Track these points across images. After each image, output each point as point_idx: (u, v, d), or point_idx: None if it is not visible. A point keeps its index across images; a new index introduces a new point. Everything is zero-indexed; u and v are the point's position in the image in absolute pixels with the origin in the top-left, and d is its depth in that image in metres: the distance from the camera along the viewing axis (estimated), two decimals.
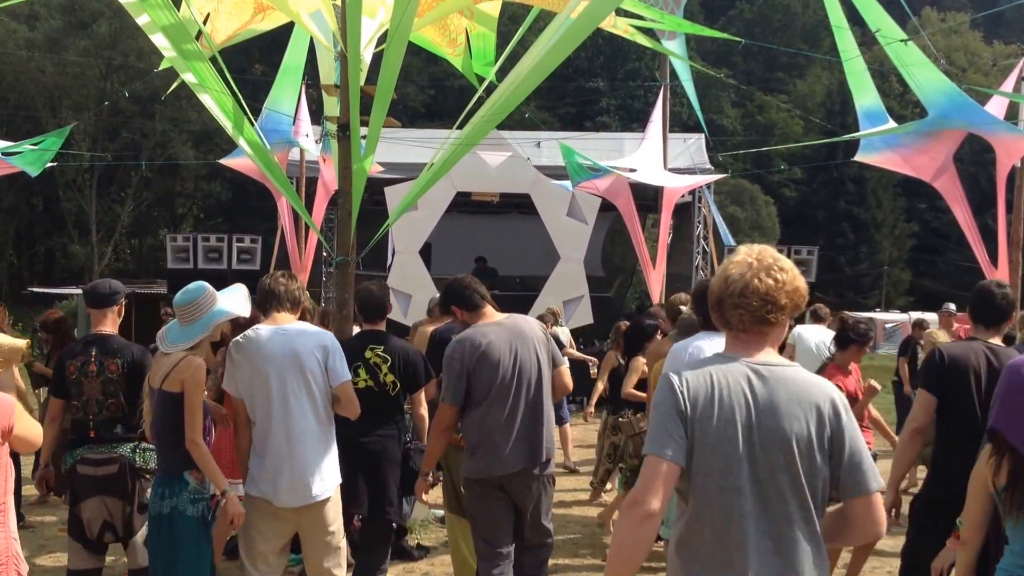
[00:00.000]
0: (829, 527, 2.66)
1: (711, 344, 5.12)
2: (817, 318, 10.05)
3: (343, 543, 4.86)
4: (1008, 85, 10.80)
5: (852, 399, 6.47)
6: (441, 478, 6.15)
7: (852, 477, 2.58)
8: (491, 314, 5.17)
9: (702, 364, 2.69)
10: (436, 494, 8.94)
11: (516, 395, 4.95)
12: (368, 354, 5.45)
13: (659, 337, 7.10)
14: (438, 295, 9.59)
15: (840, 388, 6.28)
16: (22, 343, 3.60)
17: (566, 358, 5.79)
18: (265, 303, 4.79)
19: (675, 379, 2.64)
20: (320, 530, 4.72)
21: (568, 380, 5.31)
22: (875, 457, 6.57)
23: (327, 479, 4.70)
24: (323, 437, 4.72)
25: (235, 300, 4.75)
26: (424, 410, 5.81)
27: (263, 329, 4.70)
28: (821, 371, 6.70)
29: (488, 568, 5.05)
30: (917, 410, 4.61)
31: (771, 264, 2.67)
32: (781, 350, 2.85)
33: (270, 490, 4.57)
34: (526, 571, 5.12)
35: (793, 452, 2.55)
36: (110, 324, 5.25)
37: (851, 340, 6.53)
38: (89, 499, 5.02)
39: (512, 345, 4.98)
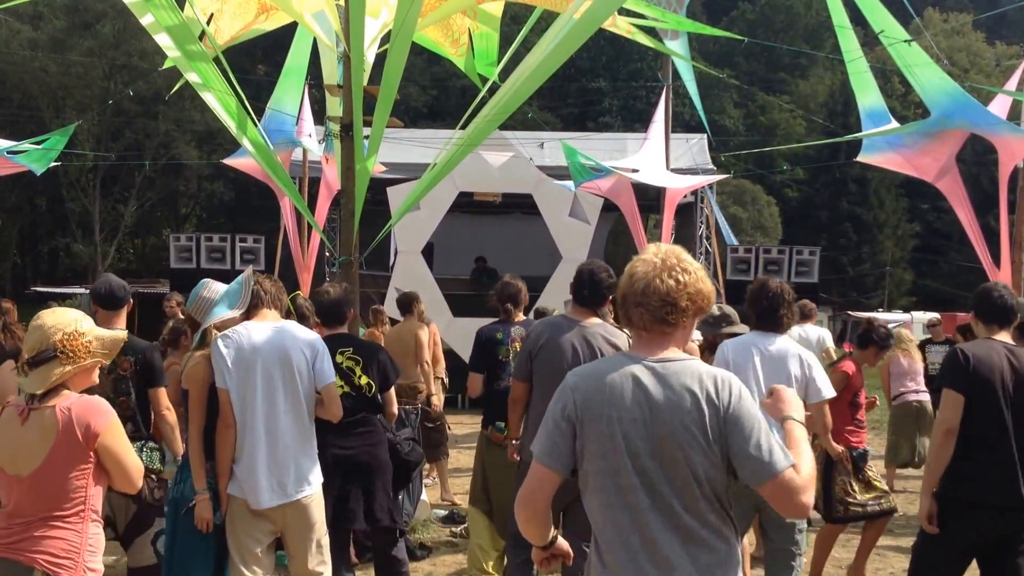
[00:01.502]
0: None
1: (757, 340, 5.14)
2: (803, 315, 10.01)
3: (326, 541, 4.85)
4: (1011, 86, 10.80)
5: (855, 394, 6.53)
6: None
7: (749, 463, 2.50)
8: (588, 317, 5.13)
9: (597, 366, 2.73)
10: (436, 495, 9.00)
11: None
12: (339, 359, 5.34)
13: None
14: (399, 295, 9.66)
15: (848, 379, 6.37)
16: (123, 333, 3.63)
17: None
18: (250, 303, 4.76)
19: (569, 382, 2.70)
20: (305, 529, 4.70)
21: None
22: (866, 455, 6.59)
23: (309, 478, 4.70)
24: (305, 436, 4.71)
25: (227, 295, 4.74)
26: (395, 408, 5.74)
27: (252, 324, 4.68)
28: (837, 364, 6.82)
29: (513, 556, 5.10)
30: (947, 411, 4.47)
31: (674, 265, 2.66)
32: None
33: (251, 490, 4.55)
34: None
35: (687, 445, 2.54)
36: (121, 323, 5.26)
37: (871, 342, 6.60)
38: None
39: (575, 346, 4.98)
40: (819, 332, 10.02)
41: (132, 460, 3.48)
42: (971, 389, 4.42)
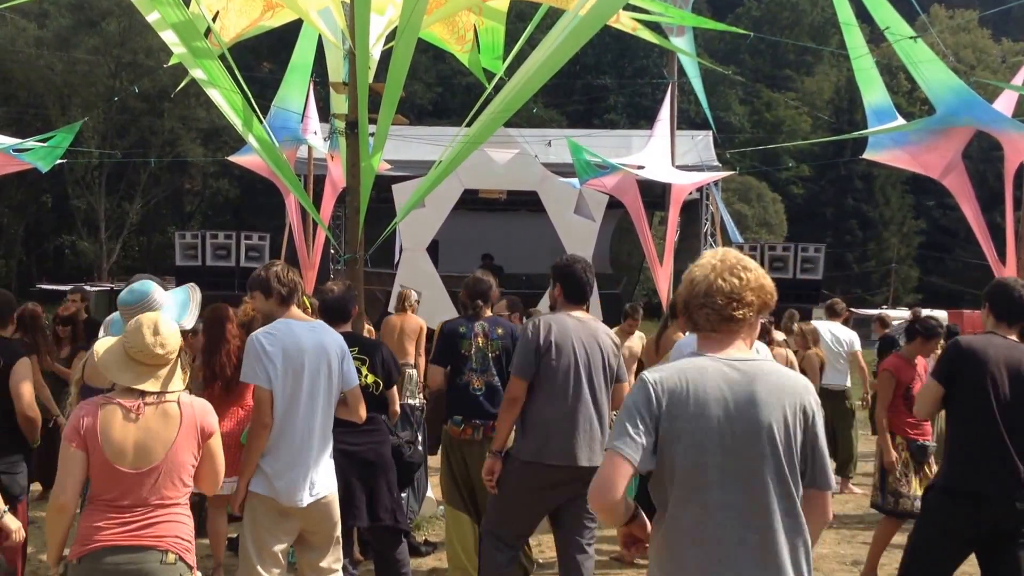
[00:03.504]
0: None
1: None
2: (833, 313, 10.07)
3: (341, 539, 4.89)
4: (1017, 82, 10.78)
5: (907, 388, 6.61)
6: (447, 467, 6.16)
7: (814, 472, 2.71)
8: (581, 311, 5.15)
9: (678, 365, 2.74)
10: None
11: (577, 391, 4.91)
12: None
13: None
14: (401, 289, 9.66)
15: (892, 376, 6.49)
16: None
17: None
18: (288, 296, 4.73)
19: (650, 378, 2.69)
20: (329, 526, 4.74)
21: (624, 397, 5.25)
22: (925, 448, 6.64)
23: (331, 475, 4.77)
24: (330, 435, 4.78)
25: (177, 305, 4.70)
26: (397, 407, 5.79)
27: (293, 323, 4.69)
28: (883, 357, 6.95)
29: (492, 551, 5.04)
30: (923, 399, 4.75)
31: (735, 264, 2.76)
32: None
33: (288, 490, 4.55)
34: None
35: (775, 442, 2.62)
36: None
37: (916, 333, 6.68)
38: None
39: (584, 343, 4.96)
40: (850, 334, 10.02)
41: (223, 463, 3.77)
42: (956, 380, 4.53)
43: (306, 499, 4.58)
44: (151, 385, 3.54)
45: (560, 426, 4.89)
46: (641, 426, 2.62)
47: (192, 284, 4.96)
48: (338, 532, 4.82)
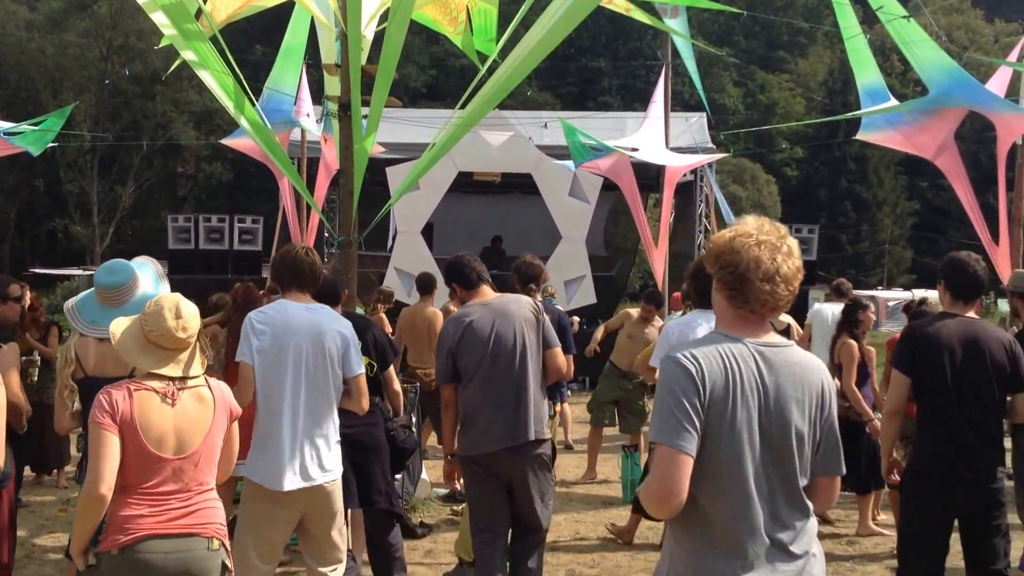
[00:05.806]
0: None
1: (701, 319, 5.17)
2: (839, 294, 9.94)
3: (344, 529, 4.80)
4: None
5: None
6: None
7: (827, 458, 2.66)
8: (486, 293, 5.12)
9: (705, 344, 2.59)
10: (437, 473, 9.02)
11: (494, 374, 4.93)
12: None
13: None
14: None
15: (887, 349, 6.61)
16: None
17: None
18: (291, 278, 4.68)
19: (687, 362, 2.52)
20: (328, 516, 4.60)
21: (560, 362, 5.21)
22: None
23: (333, 463, 4.60)
24: (330, 421, 4.63)
25: (151, 280, 4.56)
26: (397, 385, 5.79)
27: (290, 304, 4.62)
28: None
29: (479, 546, 5.07)
30: (891, 392, 4.66)
31: (794, 253, 2.61)
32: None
33: (274, 474, 4.43)
34: (518, 558, 5.11)
35: (800, 436, 2.57)
36: None
37: (913, 318, 6.82)
38: None
39: (493, 324, 4.95)
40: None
41: (237, 447, 3.70)
42: (918, 369, 4.52)
43: (288, 484, 4.43)
44: (171, 370, 3.40)
45: (489, 414, 4.93)
46: (691, 412, 2.48)
47: (146, 256, 4.77)
48: (340, 524, 4.68)
